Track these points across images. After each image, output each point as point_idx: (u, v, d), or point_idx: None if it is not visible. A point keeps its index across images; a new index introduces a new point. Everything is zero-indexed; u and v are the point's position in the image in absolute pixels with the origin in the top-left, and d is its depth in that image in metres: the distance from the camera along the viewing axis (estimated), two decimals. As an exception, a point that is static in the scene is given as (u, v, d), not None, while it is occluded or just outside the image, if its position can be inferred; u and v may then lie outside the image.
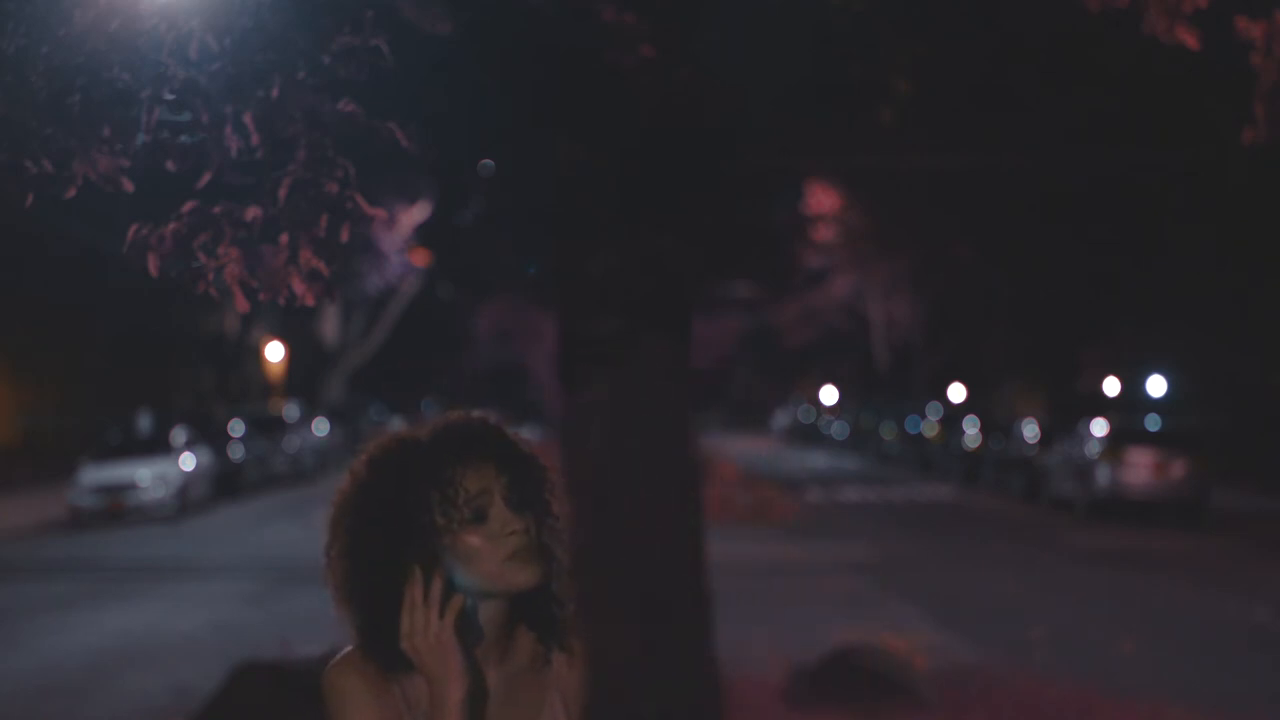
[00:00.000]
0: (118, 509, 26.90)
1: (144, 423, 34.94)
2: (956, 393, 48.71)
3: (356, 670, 2.44)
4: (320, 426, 42.98)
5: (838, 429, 60.06)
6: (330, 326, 52.53)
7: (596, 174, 8.38)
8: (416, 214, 41.00)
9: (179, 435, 29.33)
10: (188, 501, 28.13)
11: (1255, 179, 23.93)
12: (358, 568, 2.43)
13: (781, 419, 74.40)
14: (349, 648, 2.46)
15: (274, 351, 48.84)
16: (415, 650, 2.38)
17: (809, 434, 65.94)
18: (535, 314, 37.09)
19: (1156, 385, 38.40)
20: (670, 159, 8.38)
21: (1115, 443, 26.87)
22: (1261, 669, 12.45)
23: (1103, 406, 36.61)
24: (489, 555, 2.40)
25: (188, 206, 3.36)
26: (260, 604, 16.18)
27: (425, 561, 2.40)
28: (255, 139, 3.41)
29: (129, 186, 3.42)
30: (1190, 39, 4.46)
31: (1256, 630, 14.36)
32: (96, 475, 27.26)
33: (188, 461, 28.62)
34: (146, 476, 27.32)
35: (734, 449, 54.52)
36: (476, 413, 2.58)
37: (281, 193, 3.39)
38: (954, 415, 42.00)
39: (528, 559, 2.42)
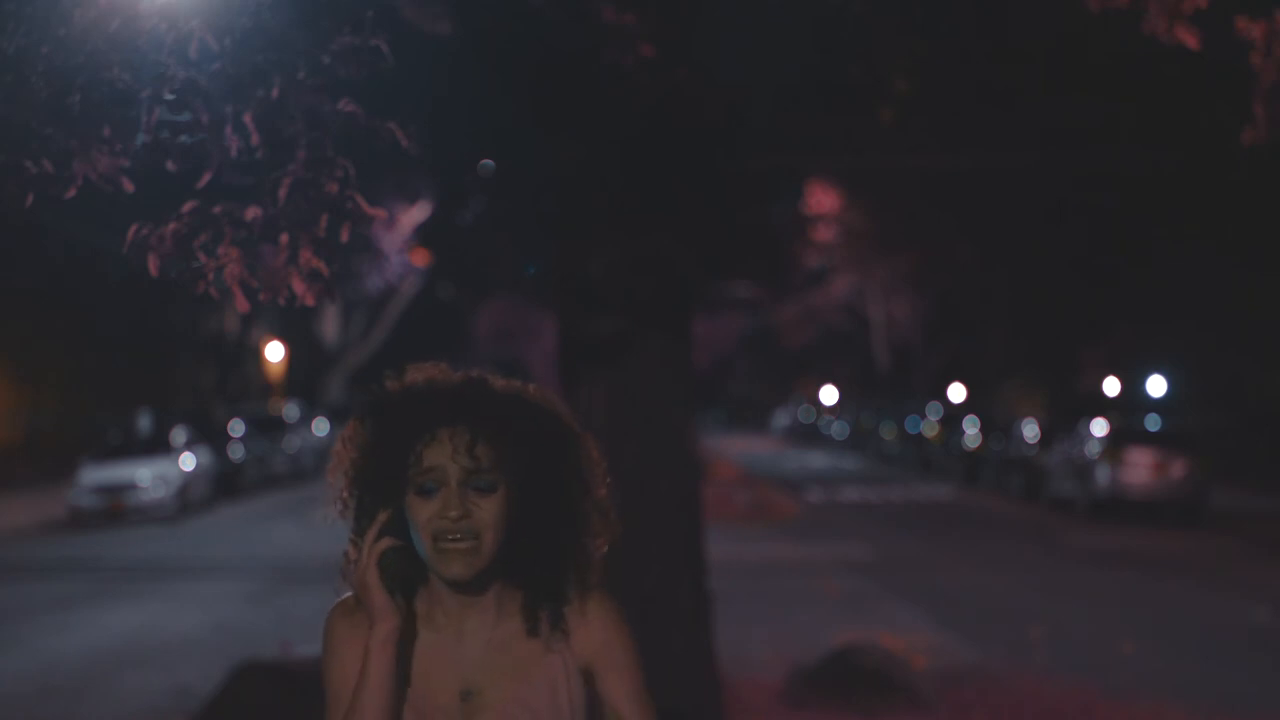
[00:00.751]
0: (118, 509, 26.90)
1: (144, 423, 34.98)
2: (956, 393, 48.71)
3: (346, 612, 2.55)
4: (320, 426, 42.98)
5: (838, 429, 60.07)
6: (330, 326, 52.51)
7: (597, 174, 8.38)
8: (416, 214, 40.98)
9: (179, 435, 29.33)
10: (188, 501, 28.13)
11: (1255, 179, 23.93)
12: (350, 494, 2.56)
13: (781, 419, 74.42)
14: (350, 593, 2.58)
15: (274, 351, 48.82)
16: (353, 585, 2.51)
17: (809, 434, 65.95)
18: (535, 314, 37.06)
19: (1156, 385, 38.41)
20: (670, 159, 8.38)
21: (1115, 443, 26.87)
22: (1261, 669, 12.44)
23: (1103, 406, 36.60)
24: (424, 529, 2.46)
25: (188, 206, 3.36)
26: (260, 604, 16.17)
27: (387, 506, 2.49)
28: (255, 139, 3.41)
29: (129, 186, 3.42)
30: (1190, 39, 4.46)
31: (1256, 630, 14.36)
32: (96, 475, 27.26)
33: (188, 461, 28.63)
34: (146, 476, 27.32)
35: (734, 449, 54.53)
36: (495, 377, 2.59)
37: (281, 193, 3.39)
38: (954, 415, 42.00)
39: (455, 551, 2.45)
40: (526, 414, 2.53)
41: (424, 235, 40.96)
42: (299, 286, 3.41)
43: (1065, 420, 31.11)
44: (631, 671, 2.56)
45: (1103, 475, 26.61)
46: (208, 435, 31.77)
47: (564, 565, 2.56)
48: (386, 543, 2.47)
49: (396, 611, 2.46)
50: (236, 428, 34.57)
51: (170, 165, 3.45)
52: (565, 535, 2.55)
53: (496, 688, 2.51)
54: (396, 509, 2.49)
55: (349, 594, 2.56)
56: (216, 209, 3.37)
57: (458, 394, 2.53)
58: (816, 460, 49.45)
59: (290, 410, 42.11)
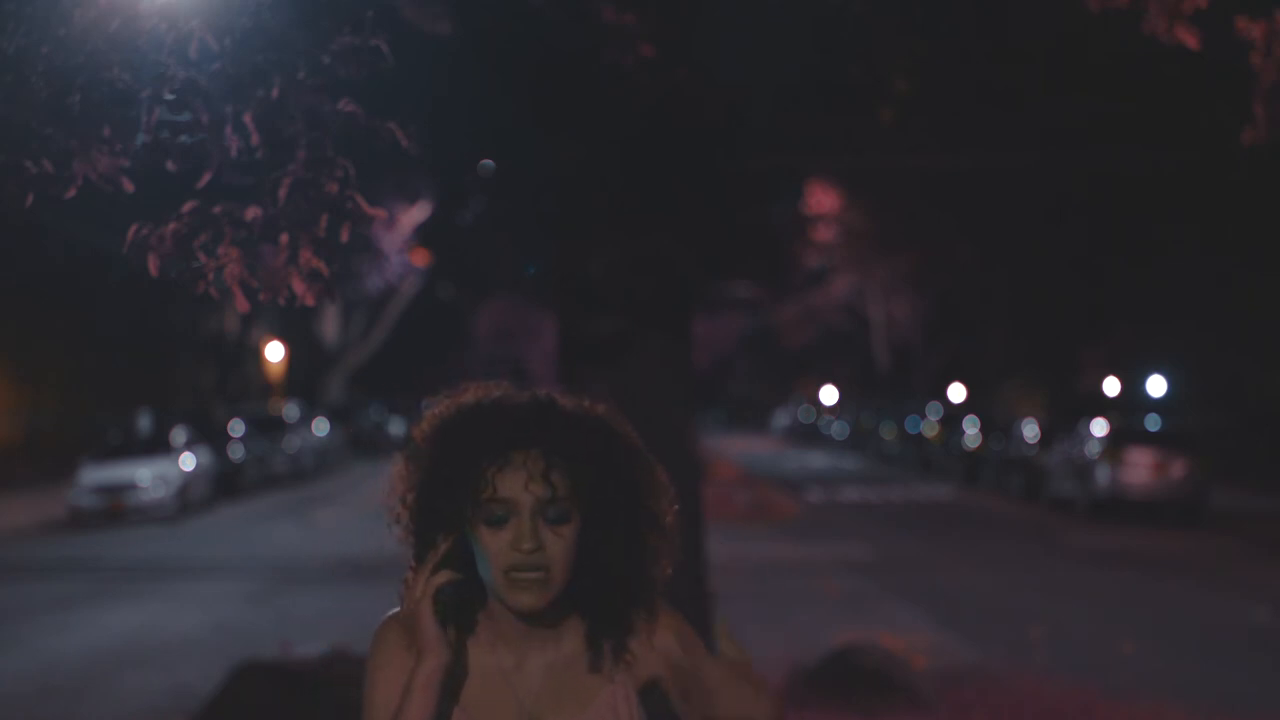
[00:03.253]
0: (118, 509, 26.89)
1: (144, 423, 34.97)
2: (956, 393, 48.71)
3: (397, 626, 2.47)
4: (320, 426, 42.97)
5: (838, 429, 60.05)
6: (330, 326, 52.51)
7: (597, 174, 8.38)
8: (416, 214, 40.99)
9: (179, 435, 29.33)
10: (188, 501, 28.13)
11: (1255, 179, 23.94)
12: (412, 519, 2.47)
13: (781, 419, 74.41)
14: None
15: (274, 351, 48.83)
16: (407, 613, 2.43)
17: (809, 434, 65.94)
18: (535, 314, 37.08)
19: (1156, 385, 38.40)
20: (670, 159, 8.38)
21: (1115, 443, 26.86)
22: (1261, 669, 12.44)
23: (1103, 406, 36.60)
24: (495, 560, 2.38)
25: (188, 206, 3.36)
26: (260, 604, 16.17)
27: (450, 531, 2.41)
28: (255, 139, 3.41)
29: (129, 186, 3.42)
30: (1190, 39, 4.46)
31: (1256, 630, 14.36)
32: (96, 475, 27.26)
33: (188, 461, 28.62)
34: (146, 476, 27.31)
35: (734, 449, 54.52)
36: (566, 398, 2.50)
37: (281, 193, 3.39)
38: (954, 415, 41.99)
39: (526, 582, 2.37)
40: (598, 437, 2.45)
41: (424, 235, 40.96)
42: (299, 286, 3.41)
43: (1065, 420, 31.10)
44: (706, 653, 2.55)
45: (1103, 475, 26.61)
46: (208, 435, 31.76)
47: (631, 595, 2.49)
48: (443, 577, 2.39)
49: (447, 649, 2.39)
50: (236, 428, 34.56)
51: (170, 165, 3.45)
52: (633, 564, 2.48)
53: (557, 717, 2.47)
54: (459, 536, 2.41)
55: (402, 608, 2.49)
56: (216, 209, 3.37)
57: (528, 415, 2.43)
58: (816, 460, 49.45)
59: (290, 410, 42.09)
